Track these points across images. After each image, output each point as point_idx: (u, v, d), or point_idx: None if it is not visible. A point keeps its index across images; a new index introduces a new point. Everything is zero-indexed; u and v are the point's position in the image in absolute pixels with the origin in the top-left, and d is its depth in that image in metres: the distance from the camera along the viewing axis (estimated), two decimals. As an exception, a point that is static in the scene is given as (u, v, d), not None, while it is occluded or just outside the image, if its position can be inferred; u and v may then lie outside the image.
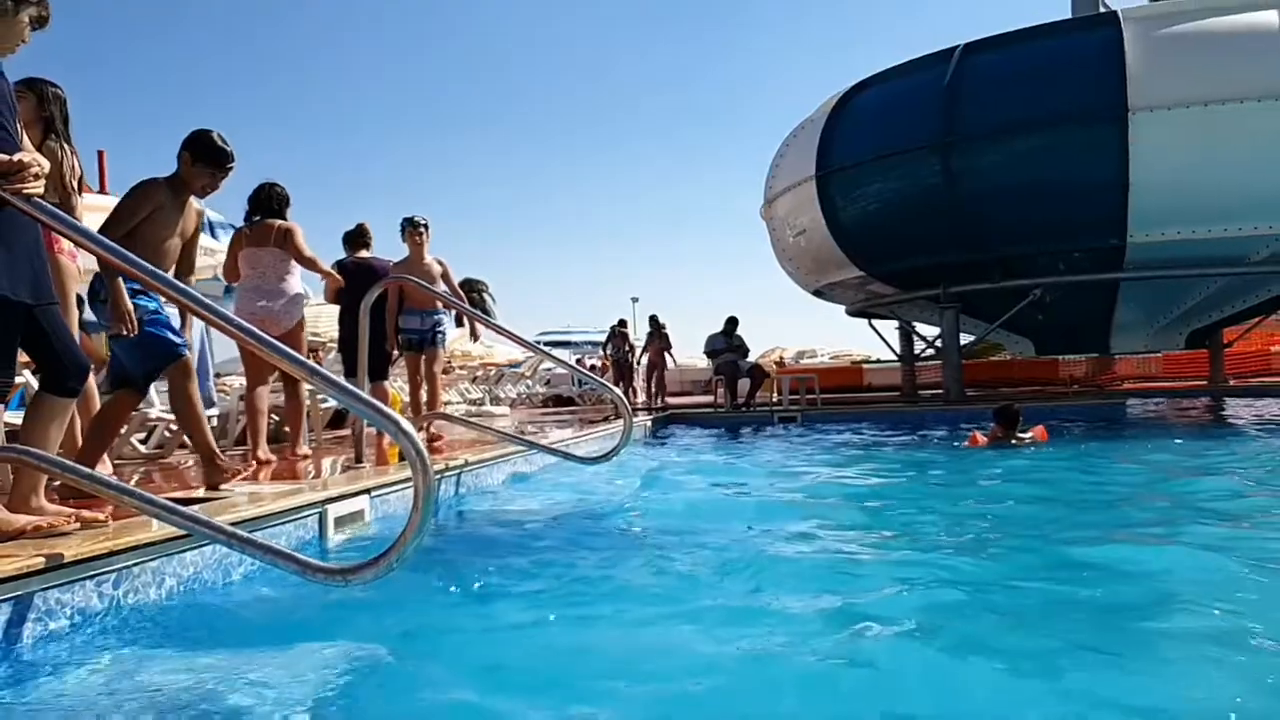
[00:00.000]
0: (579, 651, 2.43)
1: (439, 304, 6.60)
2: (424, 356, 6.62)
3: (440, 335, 6.75)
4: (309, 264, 5.38)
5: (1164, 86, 10.38)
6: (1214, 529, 3.93)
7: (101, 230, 3.41)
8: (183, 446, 6.97)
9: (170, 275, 3.33)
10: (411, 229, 6.54)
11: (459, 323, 11.31)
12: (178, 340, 3.78)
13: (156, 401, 6.32)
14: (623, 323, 16.50)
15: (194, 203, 4.00)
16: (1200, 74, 10.32)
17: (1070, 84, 11.04)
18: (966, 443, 7.61)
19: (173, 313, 3.83)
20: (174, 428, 6.75)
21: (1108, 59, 10.72)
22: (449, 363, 16.15)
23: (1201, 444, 8.09)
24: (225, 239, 7.37)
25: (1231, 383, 15.43)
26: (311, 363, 2.31)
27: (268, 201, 5.35)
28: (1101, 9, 18.66)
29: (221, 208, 8.98)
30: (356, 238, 6.74)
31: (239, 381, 8.82)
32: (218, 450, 3.92)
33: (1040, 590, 2.96)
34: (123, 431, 6.28)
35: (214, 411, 6.80)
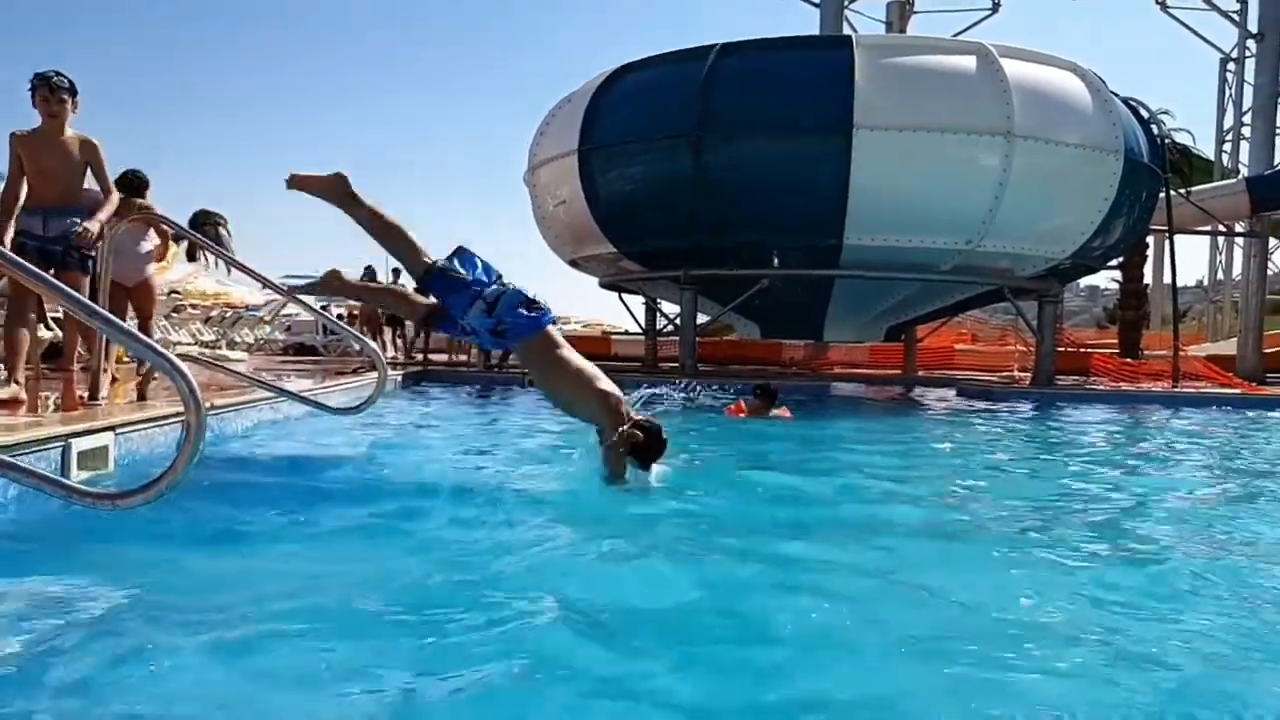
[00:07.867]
0: (302, 600, 2.42)
1: (79, 203, 4.93)
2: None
3: (80, 254, 4.85)
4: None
5: (882, 109, 11.77)
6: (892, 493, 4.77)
7: None
8: None
9: None
10: (46, 91, 4.67)
11: (191, 255, 10.44)
12: None
13: None
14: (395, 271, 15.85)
15: None
16: (910, 103, 11.85)
17: (807, 95, 12.22)
18: (730, 409, 8.34)
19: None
20: None
21: (840, 78, 11.95)
22: (181, 300, 14.95)
23: (888, 419, 9.61)
24: None
25: (920, 373, 17.89)
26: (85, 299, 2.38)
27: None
28: (846, 30, 20.66)
29: None
30: None
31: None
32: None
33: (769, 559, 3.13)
34: None
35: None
